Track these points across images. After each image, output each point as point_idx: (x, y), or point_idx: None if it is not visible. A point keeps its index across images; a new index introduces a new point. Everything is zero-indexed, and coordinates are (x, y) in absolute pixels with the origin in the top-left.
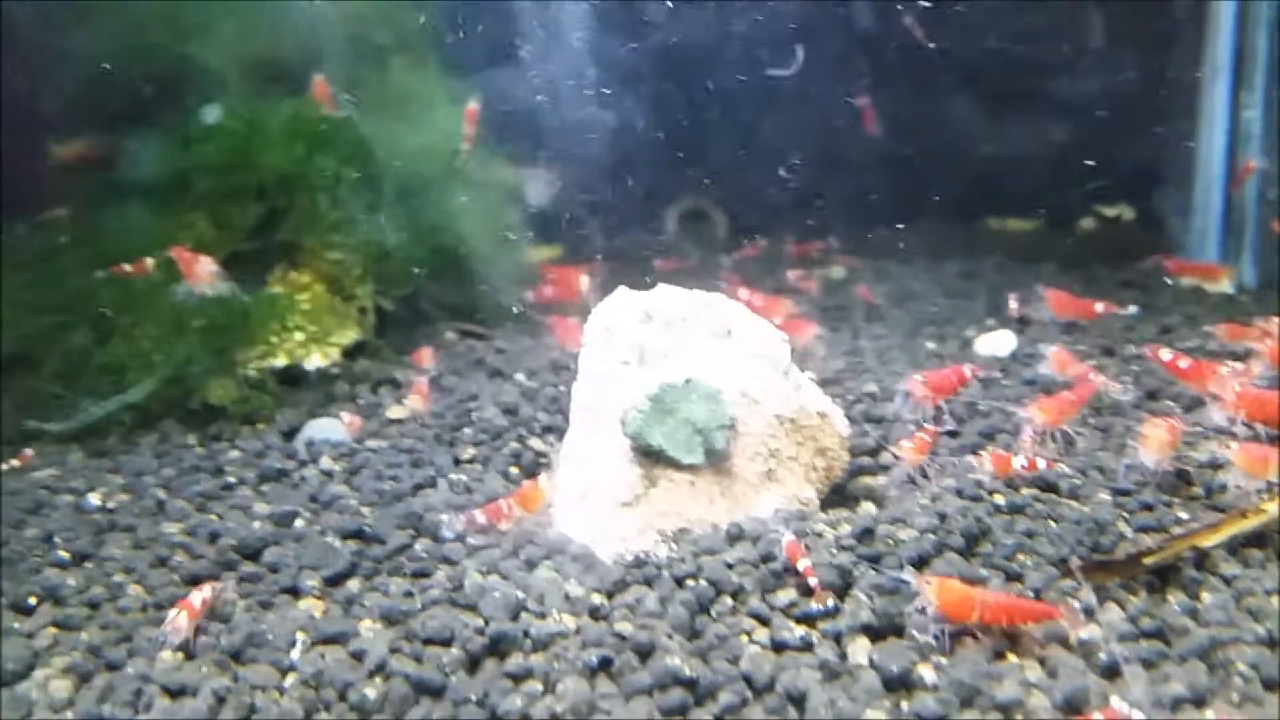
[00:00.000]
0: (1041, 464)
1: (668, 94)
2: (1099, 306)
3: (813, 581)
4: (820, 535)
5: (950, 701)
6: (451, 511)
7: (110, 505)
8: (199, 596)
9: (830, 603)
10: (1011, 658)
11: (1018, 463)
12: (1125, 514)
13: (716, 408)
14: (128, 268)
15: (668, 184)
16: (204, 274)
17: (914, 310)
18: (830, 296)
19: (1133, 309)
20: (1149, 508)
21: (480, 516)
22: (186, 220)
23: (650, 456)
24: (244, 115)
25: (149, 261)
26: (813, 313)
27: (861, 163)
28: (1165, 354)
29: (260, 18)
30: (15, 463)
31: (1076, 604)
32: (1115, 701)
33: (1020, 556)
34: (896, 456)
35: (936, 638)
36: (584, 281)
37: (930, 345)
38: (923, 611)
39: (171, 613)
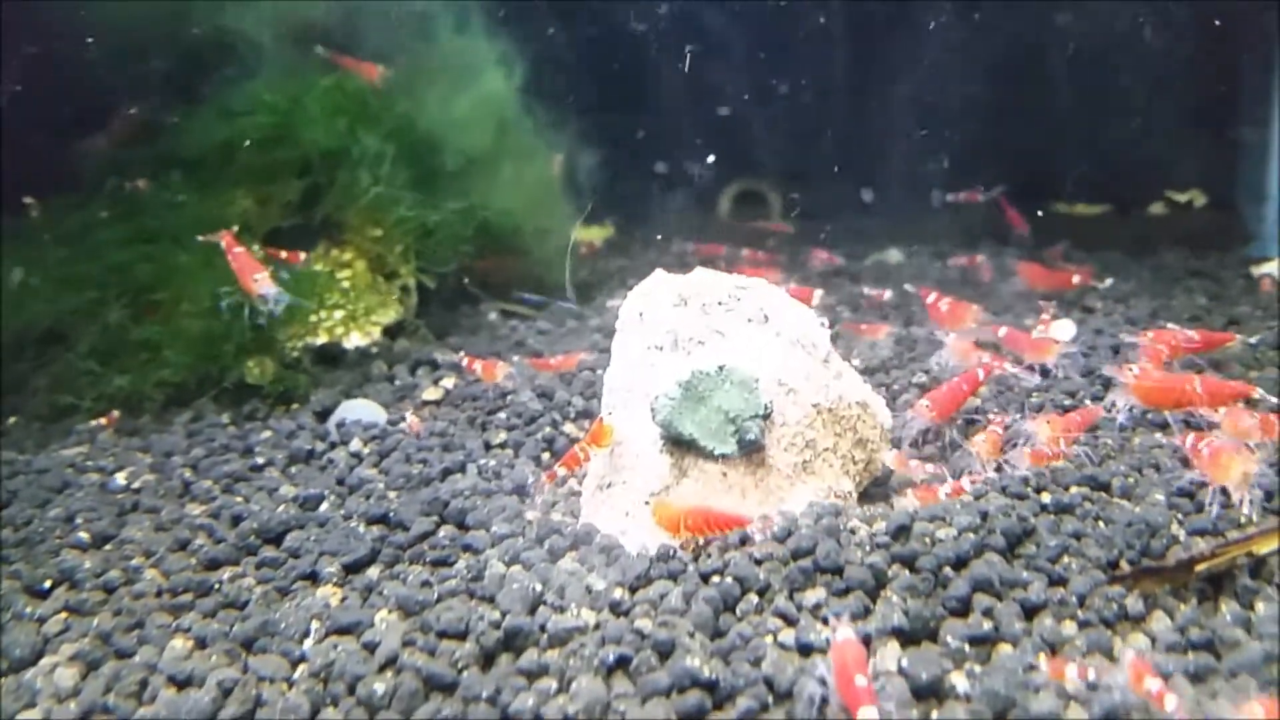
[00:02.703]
0: (966, 483)
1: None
2: (1076, 278)
3: None
4: (854, 532)
5: (982, 713)
6: (532, 475)
7: (136, 485)
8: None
9: None
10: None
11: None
12: (1179, 515)
13: (750, 396)
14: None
15: (723, 165)
16: (262, 282)
17: (973, 297)
18: (885, 280)
19: (1109, 281)
20: (1204, 509)
21: (560, 470)
22: (228, 196)
23: (681, 446)
24: (285, 89)
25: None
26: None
27: (928, 147)
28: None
29: None
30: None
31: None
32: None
33: (1065, 559)
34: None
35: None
36: None
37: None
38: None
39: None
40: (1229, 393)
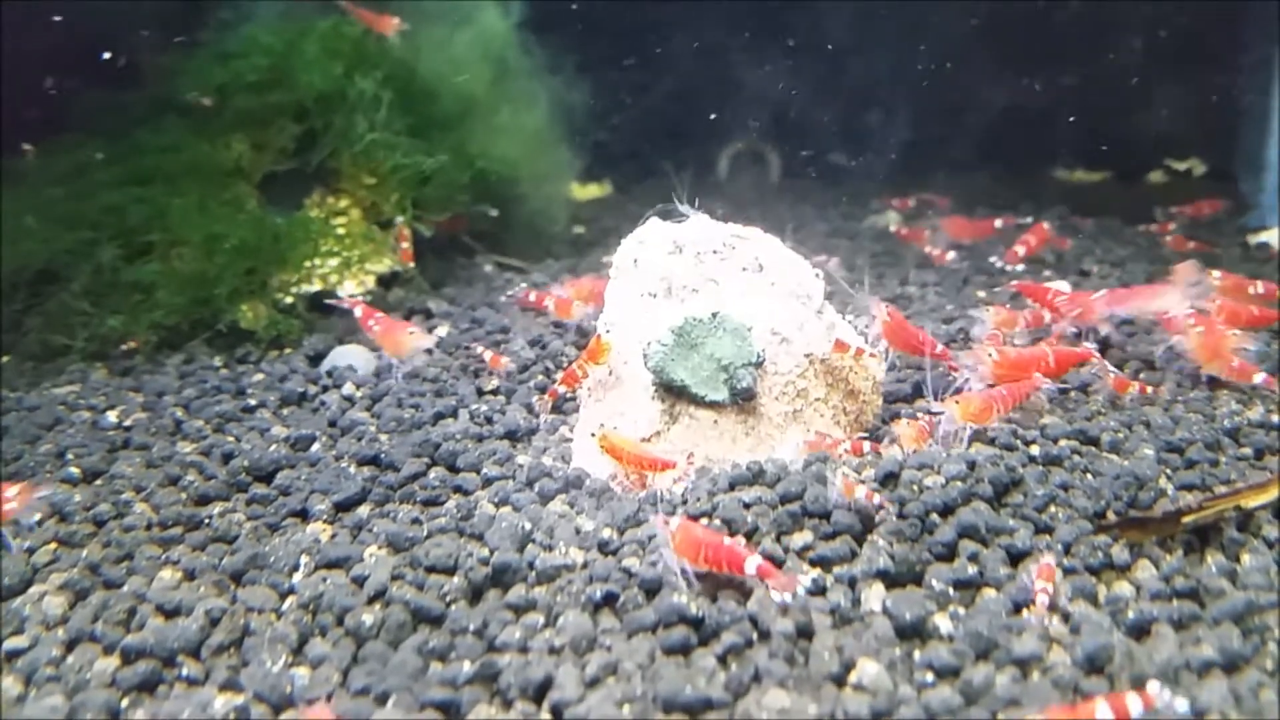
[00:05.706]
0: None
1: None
2: (998, 222)
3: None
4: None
5: (965, 653)
6: (535, 395)
7: (127, 423)
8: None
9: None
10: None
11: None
12: (1168, 470)
13: (743, 344)
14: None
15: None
16: (413, 345)
17: (967, 258)
18: (880, 241)
19: (1030, 218)
20: (1193, 465)
21: (561, 388)
22: (224, 140)
23: (672, 392)
24: (281, 32)
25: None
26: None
27: (927, 112)
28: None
29: None
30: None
31: None
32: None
33: (1052, 508)
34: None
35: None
36: None
37: (980, 294)
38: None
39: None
40: (1072, 359)
